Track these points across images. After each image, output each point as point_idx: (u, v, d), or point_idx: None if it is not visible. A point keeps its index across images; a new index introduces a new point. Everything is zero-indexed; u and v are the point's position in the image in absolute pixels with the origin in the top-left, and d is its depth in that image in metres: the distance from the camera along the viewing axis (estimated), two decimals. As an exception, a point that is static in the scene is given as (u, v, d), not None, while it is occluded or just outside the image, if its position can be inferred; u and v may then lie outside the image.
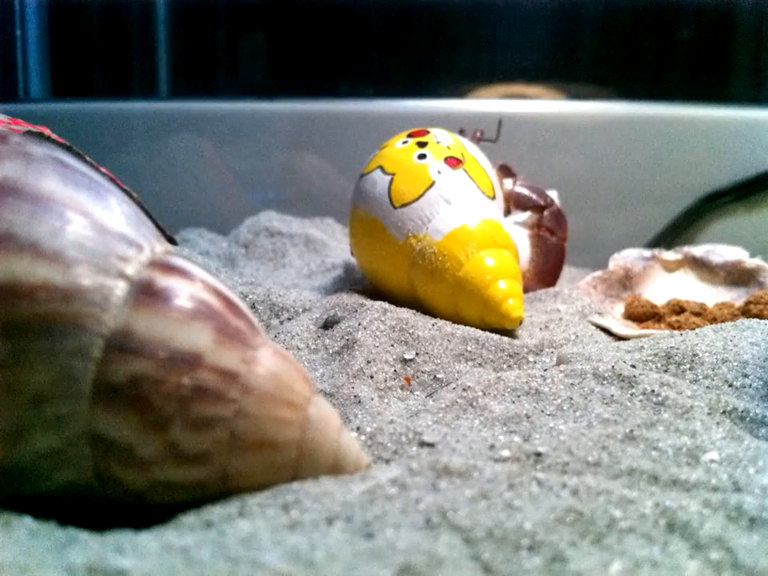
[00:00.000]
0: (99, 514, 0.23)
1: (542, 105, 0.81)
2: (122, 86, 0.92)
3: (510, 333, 0.45)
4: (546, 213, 0.55)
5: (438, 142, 0.50)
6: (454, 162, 0.48)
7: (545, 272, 0.55)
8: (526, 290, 0.53)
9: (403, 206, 0.47)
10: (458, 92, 0.85)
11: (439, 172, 0.48)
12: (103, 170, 0.27)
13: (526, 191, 0.55)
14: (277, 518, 0.22)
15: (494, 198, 0.49)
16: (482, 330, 0.43)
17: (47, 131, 0.27)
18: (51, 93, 0.90)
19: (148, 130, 0.79)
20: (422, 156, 0.49)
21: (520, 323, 0.44)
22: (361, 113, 0.79)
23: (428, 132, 0.51)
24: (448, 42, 0.86)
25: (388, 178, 0.48)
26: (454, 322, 0.43)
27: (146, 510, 0.23)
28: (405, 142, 0.50)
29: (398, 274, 0.48)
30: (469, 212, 0.46)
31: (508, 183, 0.55)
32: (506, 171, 0.56)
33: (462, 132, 0.57)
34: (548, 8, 0.85)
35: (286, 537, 0.21)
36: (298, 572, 0.19)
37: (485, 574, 0.20)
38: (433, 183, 0.47)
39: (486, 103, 0.82)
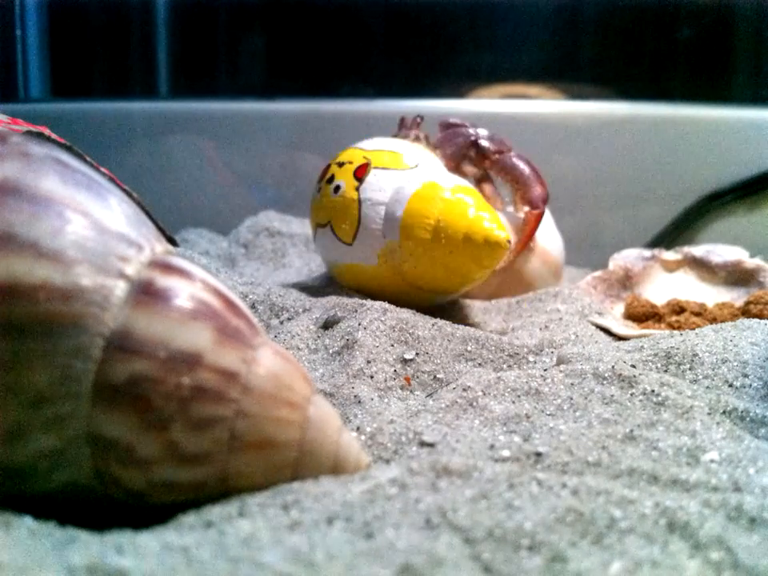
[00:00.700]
0: (99, 514, 0.23)
1: (542, 105, 0.81)
2: (122, 86, 0.92)
3: (509, 332, 0.45)
4: (480, 143, 0.53)
5: (342, 165, 0.50)
6: (361, 170, 0.49)
7: (533, 174, 0.53)
8: (534, 202, 0.52)
9: (354, 237, 0.48)
10: (458, 92, 0.85)
11: (356, 189, 0.48)
12: (103, 170, 0.27)
13: (450, 140, 0.53)
14: (277, 517, 0.22)
15: (415, 166, 0.49)
16: (482, 295, 0.43)
17: (47, 131, 0.27)
18: (51, 93, 0.90)
19: (148, 130, 0.80)
20: (337, 188, 0.49)
21: (510, 244, 0.44)
22: (361, 113, 0.79)
23: (329, 165, 0.52)
24: (448, 41, 0.86)
25: (327, 228, 0.50)
26: (462, 296, 0.43)
27: (146, 510, 0.23)
28: (319, 189, 0.51)
29: (397, 285, 0.48)
30: (403, 194, 0.47)
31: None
32: (444, 127, 0.55)
33: (402, 121, 0.56)
34: (548, 8, 0.85)
35: (286, 537, 0.21)
36: (298, 572, 0.19)
37: (485, 574, 0.20)
38: (359, 202, 0.48)
39: (486, 103, 0.82)
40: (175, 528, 0.22)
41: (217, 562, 0.19)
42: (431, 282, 0.46)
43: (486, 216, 0.45)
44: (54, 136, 0.27)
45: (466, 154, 0.53)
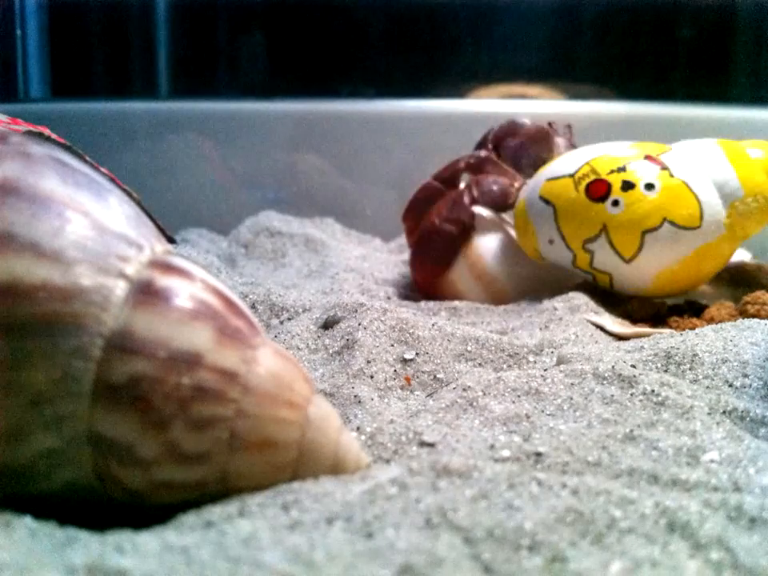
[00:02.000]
0: (99, 514, 0.23)
1: (542, 105, 0.81)
2: (122, 86, 0.92)
3: (509, 332, 0.45)
4: None
5: (621, 169, 0.49)
6: (652, 159, 0.49)
7: None
8: None
9: (701, 219, 0.47)
10: (458, 92, 0.85)
11: (671, 175, 0.48)
12: (103, 170, 0.27)
13: None
14: (277, 517, 0.22)
15: (671, 149, 0.51)
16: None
17: (47, 131, 0.27)
18: (51, 93, 0.90)
19: (148, 130, 0.80)
20: (649, 186, 0.48)
21: None
22: (361, 113, 0.79)
23: (601, 180, 0.49)
24: (448, 41, 0.86)
25: (665, 226, 0.47)
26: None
27: (146, 510, 0.23)
28: (615, 203, 0.48)
29: (725, 255, 0.49)
30: (717, 161, 0.49)
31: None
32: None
33: (551, 125, 0.58)
34: (548, 8, 0.85)
35: (286, 537, 0.21)
36: (298, 572, 0.19)
37: (485, 574, 0.20)
38: (685, 184, 0.48)
39: (486, 103, 0.83)
40: (175, 528, 0.22)
41: (217, 561, 0.19)
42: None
43: None
44: (54, 136, 0.27)
45: None
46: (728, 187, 0.48)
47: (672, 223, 0.47)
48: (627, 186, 0.47)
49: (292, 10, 0.86)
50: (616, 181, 0.48)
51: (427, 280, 0.56)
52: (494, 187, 0.56)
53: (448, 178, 0.58)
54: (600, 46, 0.86)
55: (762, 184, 0.48)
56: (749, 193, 0.47)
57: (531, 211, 0.51)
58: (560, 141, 0.57)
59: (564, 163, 0.52)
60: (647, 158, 0.49)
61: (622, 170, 0.48)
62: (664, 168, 0.48)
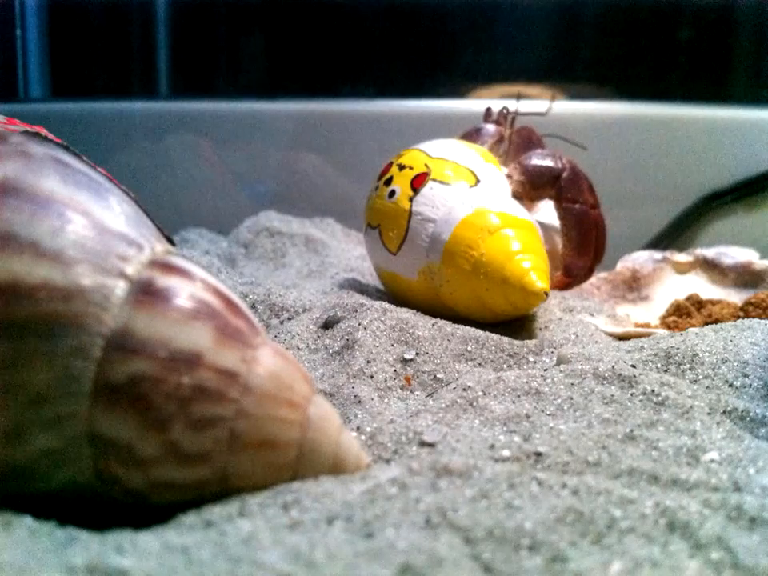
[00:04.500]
0: (99, 514, 0.23)
1: (542, 105, 0.81)
2: (122, 86, 0.92)
3: (509, 332, 0.45)
4: (561, 181, 0.50)
5: (402, 168, 0.49)
6: (419, 180, 0.48)
7: (582, 244, 0.51)
8: (569, 270, 0.51)
9: (399, 248, 0.47)
10: (458, 92, 0.85)
11: (410, 199, 0.47)
12: (100, 169, 0.27)
13: (536, 162, 0.51)
14: (277, 517, 0.22)
15: (475, 184, 0.47)
16: (500, 322, 0.43)
17: (44, 131, 0.27)
18: (51, 93, 0.90)
19: (148, 130, 0.80)
20: (392, 193, 0.48)
21: (546, 296, 0.43)
22: (361, 113, 0.79)
23: (391, 164, 0.50)
24: (448, 41, 0.86)
25: (376, 231, 0.49)
26: (492, 324, 0.43)
27: (146, 510, 0.23)
28: (376, 188, 0.50)
29: (432, 303, 0.47)
30: (452, 217, 0.46)
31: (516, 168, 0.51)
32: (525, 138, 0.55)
33: (487, 111, 0.56)
34: (548, 8, 0.85)
35: (286, 537, 0.21)
36: (298, 572, 0.19)
37: (485, 573, 0.20)
38: (410, 213, 0.47)
39: (485, 103, 0.82)
40: (175, 528, 0.22)
41: (217, 561, 0.19)
42: (465, 310, 0.46)
43: (528, 261, 0.44)
44: (50, 136, 0.27)
45: (540, 184, 0.51)
46: (436, 247, 0.46)
47: (379, 234, 0.49)
48: (389, 181, 0.49)
49: (292, 9, 0.86)
50: (391, 172, 0.50)
51: None
52: None
53: None
54: (600, 46, 0.86)
55: (458, 263, 0.45)
56: (444, 263, 0.45)
57: None
58: (489, 127, 0.55)
59: None
60: (407, 170, 0.49)
61: (403, 168, 0.49)
62: (413, 190, 0.47)
